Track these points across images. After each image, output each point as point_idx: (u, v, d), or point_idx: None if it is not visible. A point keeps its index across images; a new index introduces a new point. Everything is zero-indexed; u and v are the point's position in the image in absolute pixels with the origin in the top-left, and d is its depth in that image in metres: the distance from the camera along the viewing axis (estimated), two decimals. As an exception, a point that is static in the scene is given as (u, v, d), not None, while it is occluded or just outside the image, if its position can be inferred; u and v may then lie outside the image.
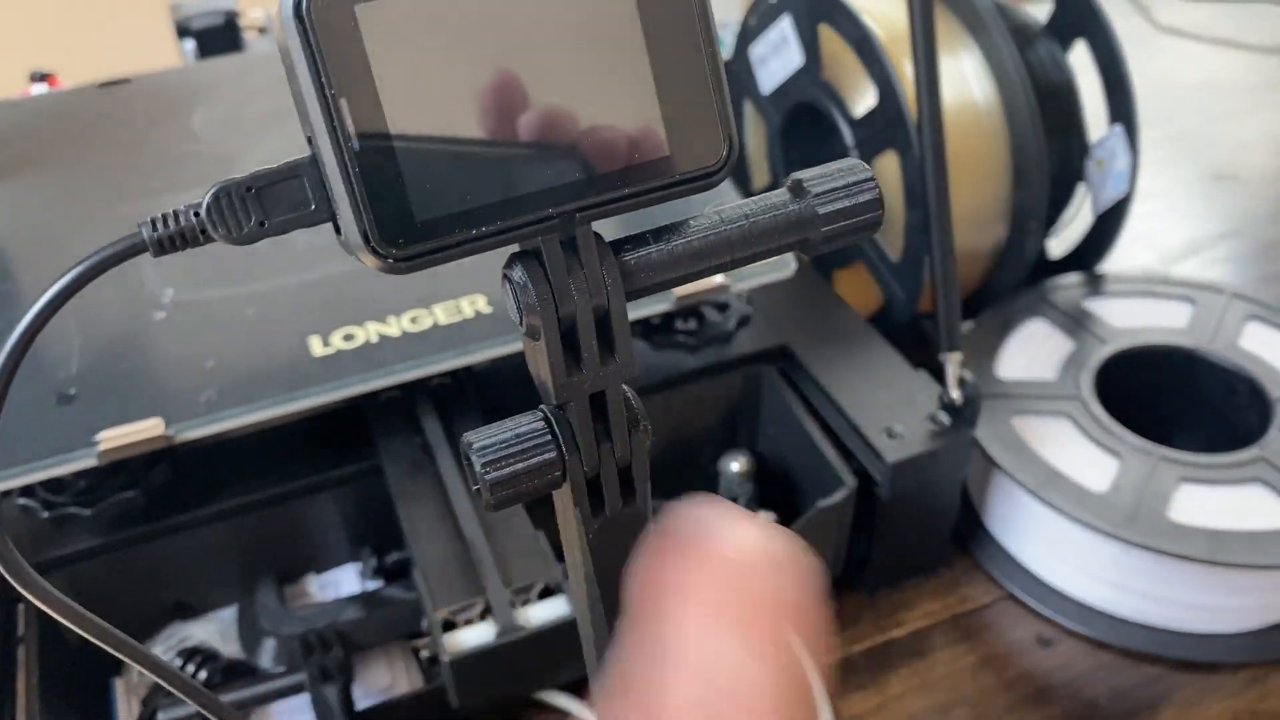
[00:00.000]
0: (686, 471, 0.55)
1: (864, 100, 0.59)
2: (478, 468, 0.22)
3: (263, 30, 0.80)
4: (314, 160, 0.19)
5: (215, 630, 0.49)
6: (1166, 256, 0.77)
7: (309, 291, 0.50)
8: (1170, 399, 0.59)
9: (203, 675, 0.47)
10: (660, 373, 0.54)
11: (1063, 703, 0.51)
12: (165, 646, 0.49)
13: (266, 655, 0.48)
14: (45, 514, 0.46)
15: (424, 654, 0.41)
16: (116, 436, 0.43)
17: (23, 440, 0.43)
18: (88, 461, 0.43)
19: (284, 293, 0.50)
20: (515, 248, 0.21)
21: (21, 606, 0.47)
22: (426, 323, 0.48)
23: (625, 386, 0.22)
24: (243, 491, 0.49)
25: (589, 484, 0.23)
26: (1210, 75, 1.00)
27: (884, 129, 0.57)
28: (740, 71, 0.69)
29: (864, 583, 0.55)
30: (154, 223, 0.19)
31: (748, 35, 0.67)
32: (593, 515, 0.23)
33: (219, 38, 0.77)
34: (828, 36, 0.60)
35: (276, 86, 0.66)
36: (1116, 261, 0.67)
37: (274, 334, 0.48)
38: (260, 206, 0.19)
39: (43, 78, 0.70)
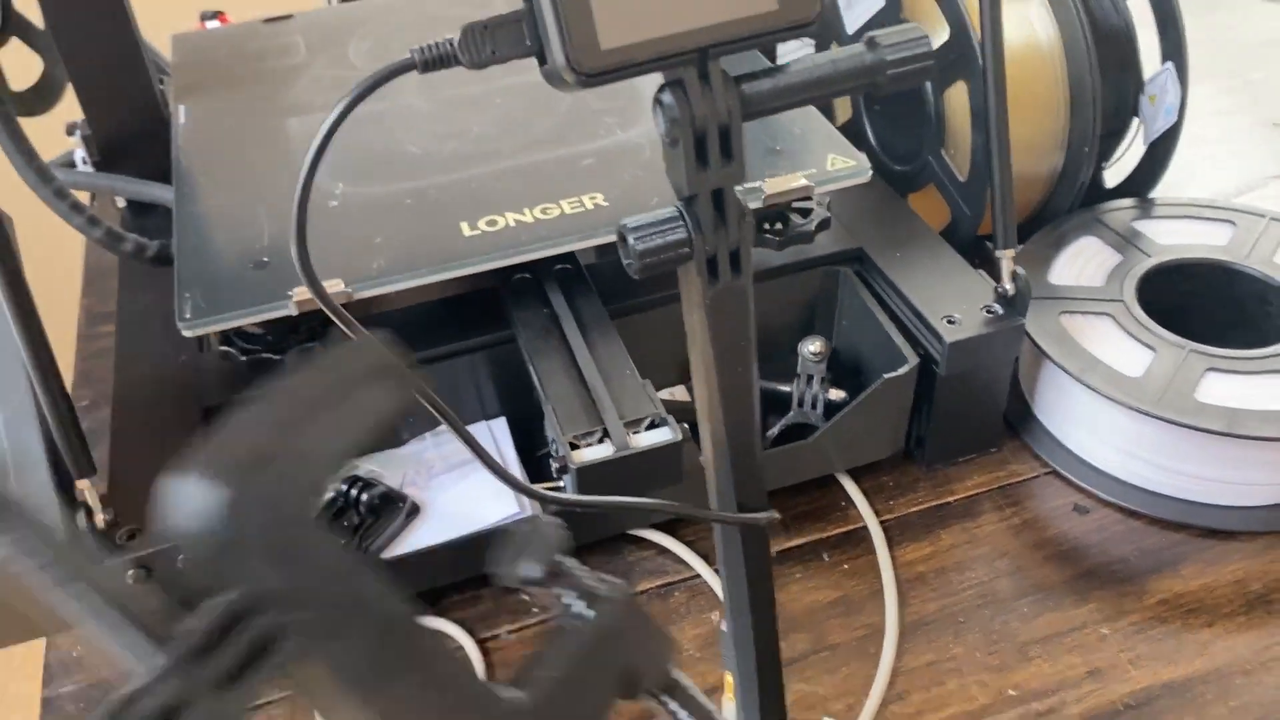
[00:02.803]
0: (772, 354, 0.63)
1: (938, 36, 0.66)
2: (631, 241, 0.30)
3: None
4: (531, 10, 0.28)
5: (376, 464, 0.59)
6: (1218, 195, 0.83)
7: (458, 188, 0.59)
8: (1207, 308, 0.65)
9: (364, 497, 0.57)
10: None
11: (1094, 558, 0.58)
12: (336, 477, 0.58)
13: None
14: (243, 359, 0.56)
15: (555, 467, 0.50)
16: (306, 291, 0.52)
17: (232, 295, 0.53)
18: (286, 310, 0.52)
19: (436, 189, 0.59)
20: (662, 79, 0.29)
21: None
22: (554, 212, 0.57)
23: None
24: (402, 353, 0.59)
25: (709, 262, 0.31)
26: (1277, 33, 1.05)
27: (955, 60, 0.65)
28: (828, 15, 0.77)
29: (922, 458, 0.63)
30: (422, 49, 0.28)
31: (835, -18, 0.74)
32: (710, 284, 0.32)
33: (362, -15, 0.86)
34: (907, -20, 0.68)
35: (416, 22, 0.75)
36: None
37: (430, 219, 0.57)
38: (493, 41, 0.28)
39: (214, 15, 0.80)
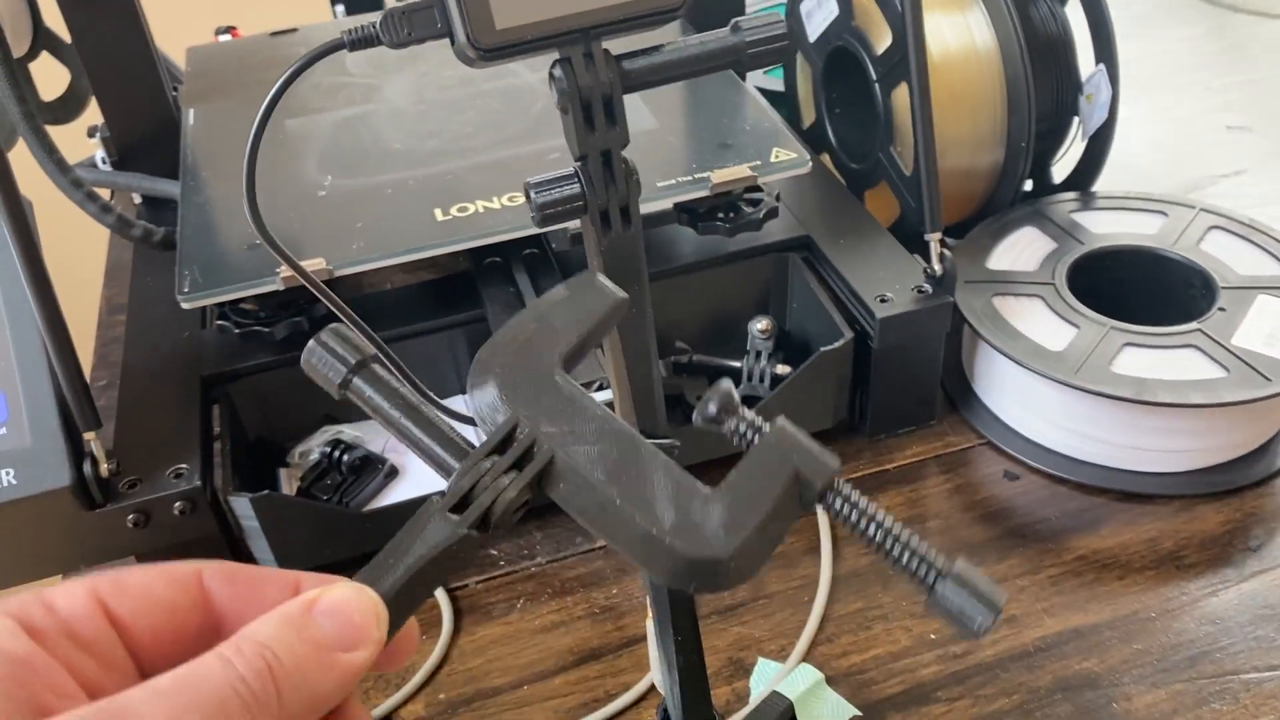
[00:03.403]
0: (727, 334, 0.69)
1: (883, 42, 0.71)
2: (532, 195, 0.36)
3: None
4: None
5: (360, 432, 0.64)
6: (1169, 192, 0.87)
7: (434, 180, 0.65)
8: (1137, 292, 0.70)
9: (346, 458, 0.62)
10: (703, 253, 0.67)
11: (1019, 518, 0.63)
12: (321, 441, 0.64)
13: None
14: (237, 331, 0.62)
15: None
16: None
17: (227, 272, 0.59)
18: (273, 285, 0.58)
19: (415, 180, 0.65)
20: (556, 55, 0.35)
21: (216, 408, 0.63)
22: (520, 200, 0.62)
23: (624, 155, 0.36)
24: (383, 329, 0.65)
25: (602, 215, 0.37)
26: (1244, 40, 1.09)
27: (898, 64, 0.70)
28: (793, 25, 0.82)
29: (865, 429, 0.67)
30: (350, 31, 0.34)
31: (797, -6, 0.80)
32: (604, 234, 0.37)
33: (363, 1, 0.93)
34: (857, -10, 0.73)
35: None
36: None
37: (407, 206, 0.63)
38: (409, 24, 0.34)
39: (227, 29, 0.87)
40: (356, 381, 0.30)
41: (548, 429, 0.29)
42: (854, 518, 0.31)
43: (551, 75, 0.35)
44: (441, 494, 0.28)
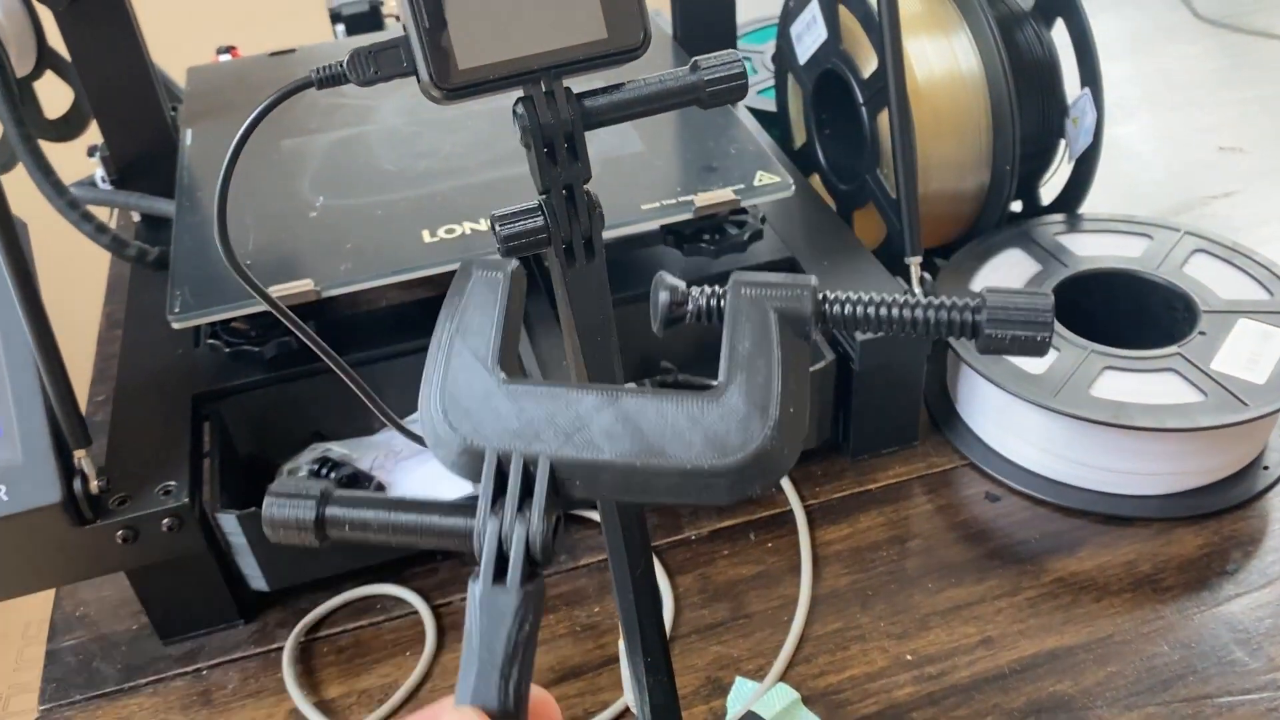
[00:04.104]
0: (712, 353, 0.69)
1: (870, 66, 0.72)
2: (497, 228, 0.37)
3: (399, 18, 0.97)
4: (406, 39, 0.34)
5: (348, 450, 0.65)
6: (1160, 214, 0.88)
7: (423, 201, 0.66)
8: (1120, 314, 0.70)
9: (332, 476, 0.63)
10: (690, 274, 0.68)
11: (999, 540, 0.63)
12: (310, 458, 0.65)
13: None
14: (227, 350, 0.63)
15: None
16: (281, 289, 0.59)
17: (217, 292, 0.60)
18: (261, 307, 0.59)
19: (405, 202, 0.66)
20: (520, 93, 0.36)
21: (207, 424, 0.64)
22: (507, 222, 0.63)
23: (587, 187, 0.37)
24: (372, 347, 0.66)
25: (566, 247, 0.37)
26: (1240, 60, 1.09)
27: (883, 88, 0.70)
28: (784, 47, 0.83)
29: (849, 449, 0.68)
30: (318, 70, 0.35)
31: (788, 17, 0.81)
32: (569, 265, 0.38)
33: (364, 21, 0.94)
34: (845, 15, 0.74)
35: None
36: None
37: (396, 227, 0.64)
38: (376, 63, 0.35)
39: (227, 49, 0.88)
40: (330, 513, 0.27)
41: (529, 441, 0.26)
42: (860, 315, 0.29)
43: (515, 112, 0.36)
44: (474, 573, 0.26)
